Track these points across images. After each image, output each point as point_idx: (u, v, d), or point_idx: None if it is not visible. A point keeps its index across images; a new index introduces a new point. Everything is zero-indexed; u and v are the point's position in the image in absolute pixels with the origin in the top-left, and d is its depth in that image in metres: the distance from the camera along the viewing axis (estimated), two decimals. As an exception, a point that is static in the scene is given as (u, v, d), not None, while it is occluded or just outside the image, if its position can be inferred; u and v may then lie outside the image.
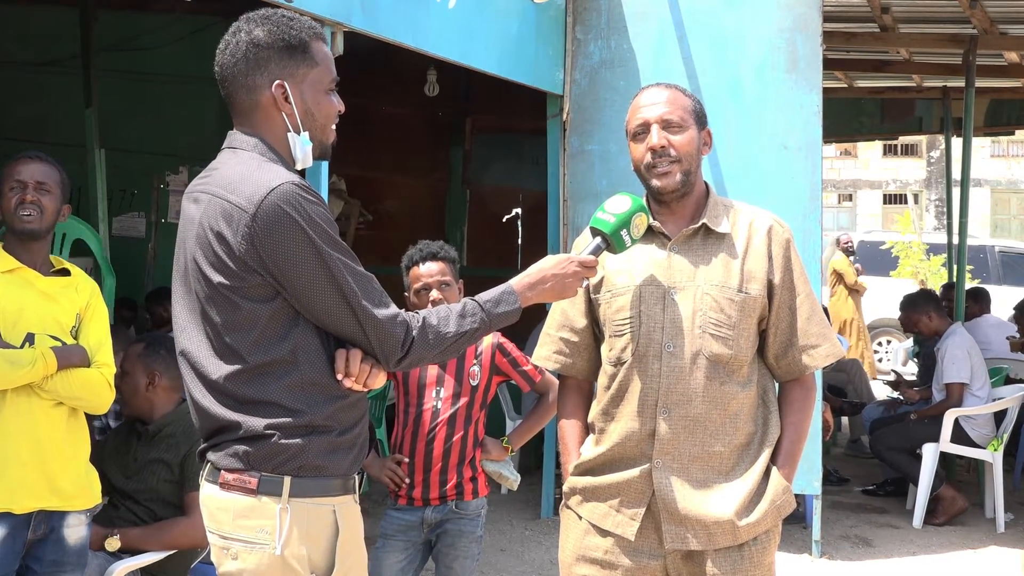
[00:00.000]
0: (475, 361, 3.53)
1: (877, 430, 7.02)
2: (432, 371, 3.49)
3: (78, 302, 3.35)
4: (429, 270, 3.49)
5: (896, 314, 7.99)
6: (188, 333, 2.30)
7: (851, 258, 12.72)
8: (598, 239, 2.55)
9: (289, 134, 2.33)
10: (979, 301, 8.30)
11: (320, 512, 2.27)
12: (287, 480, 2.23)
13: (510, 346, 3.61)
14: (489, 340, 3.54)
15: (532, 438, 3.80)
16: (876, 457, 7.08)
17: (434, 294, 3.44)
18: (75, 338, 3.32)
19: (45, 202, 3.32)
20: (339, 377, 2.26)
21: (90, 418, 3.50)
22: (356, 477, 2.37)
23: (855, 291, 12.40)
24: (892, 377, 8.28)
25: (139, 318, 6.53)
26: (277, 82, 2.30)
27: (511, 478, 3.62)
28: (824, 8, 5.84)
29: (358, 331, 2.25)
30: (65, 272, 3.40)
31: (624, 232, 2.53)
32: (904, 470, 6.70)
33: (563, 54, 6.13)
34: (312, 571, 2.26)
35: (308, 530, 2.25)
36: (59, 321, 3.29)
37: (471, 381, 3.51)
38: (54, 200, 3.35)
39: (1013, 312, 8.53)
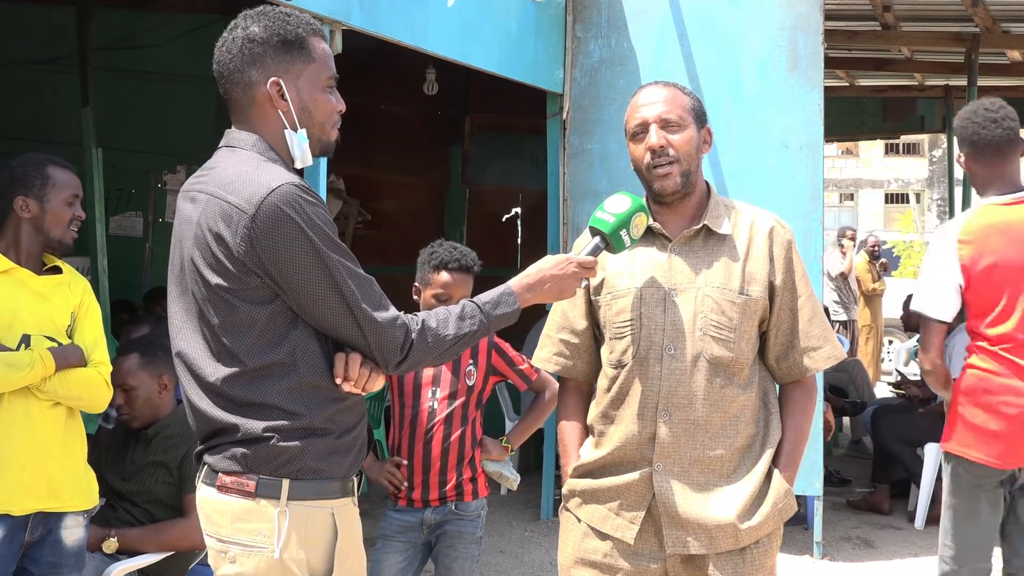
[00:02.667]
0: (471, 362, 3.52)
1: (882, 418, 6.92)
2: (428, 371, 3.48)
3: (72, 300, 3.34)
4: (458, 282, 3.44)
5: (898, 314, 7.96)
6: (184, 334, 2.28)
7: (877, 261, 12.50)
8: (597, 239, 2.53)
9: (286, 131, 2.30)
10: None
11: (318, 515, 2.25)
12: (285, 483, 2.21)
13: (506, 346, 3.61)
14: (486, 340, 3.52)
15: (532, 439, 3.79)
16: (876, 444, 6.99)
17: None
18: (70, 337, 3.30)
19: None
20: (338, 381, 2.24)
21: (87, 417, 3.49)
22: (354, 479, 2.35)
23: (874, 295, 12.22)
24: (895, 378, 8.25)
25: (137, 321, 6.47)
26: (273, 79, 2.28)
27: (511, 478, 3.61)
28: (825, 6, 5.82)
29: (357, 334, 2.23)
30: (57, 270, 3.38)
31: (623, 232, 2.51)
32: (904, 461, 6.64)
33: (563, 52, 6.11)
34: (310, 574, 2.24)
35: (306, 533, 2.23)
36: (54, 321, 3.27)
37: (467, 381, 3.50)
38: None
39: None
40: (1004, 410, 3.47)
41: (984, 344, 3.55)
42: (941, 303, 3.56)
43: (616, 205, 2.52)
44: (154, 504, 3.68)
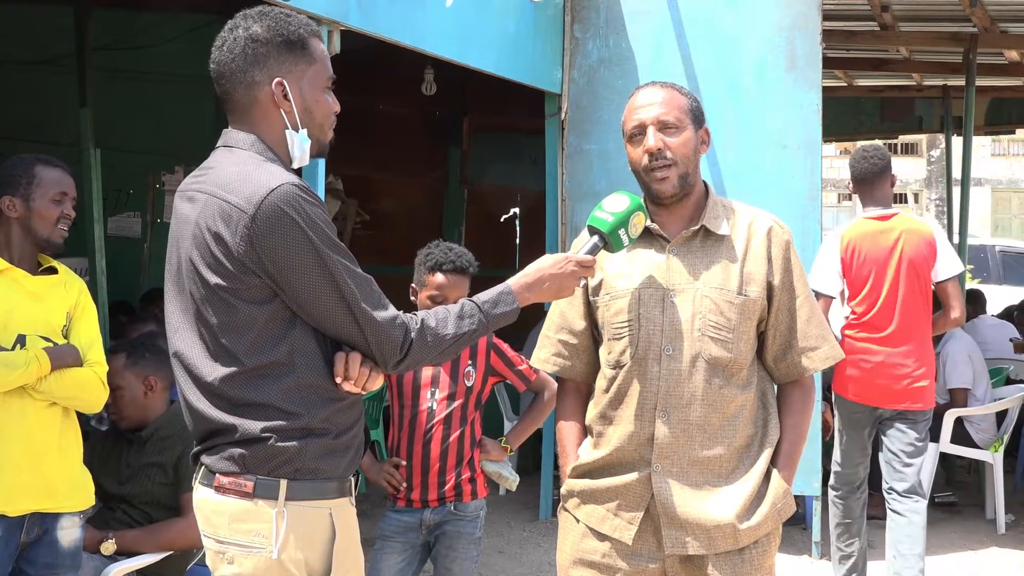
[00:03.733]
0: (470, 362, 3.51)
1: None
2: (427, 372, 3.47)
3: (68, 301, 3.33)
4: (453, 283, 3.45)
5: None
6: (182, 334, 2.27)
7: None
8: (595, 238, 2.53)
9: (287, 131, 2.30)
10: (975, 303, 8.25)
11: (316, 515, 2.25)
12: (283, 483, 2.21)
13: (505, 347, 3.60)
14: (484, 341, 3.52)
15: (531, 440, 3.79)
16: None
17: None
18: (66, 337, 3.29)
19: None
20: (338, 380, 2.24)
21: (84, 416, 3.47)
22: (352, 479, 2.35)
23: None
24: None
25: (137, 320, 6.45)
26: (277, 79, 2.28)
27: (510, 478, 3.61)
28: (823, 6, 5.82)
29: (357, 333, 2.23)
30: (52, 270, 3.37)
31: (622, 231, 2.51)
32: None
33: (561, 53, 6.10)
34: (309, 575, 2.23)
35: (304, 533, 2.23)
36: (49, 322, 3.26)
37: (466, 382, 3.50)
38: None
39: (1015, 314, 8.48)
40: (863, 365, 4.85)
41: (852, 317, 4.94)
42: (827, 282, 4.90)
43: (614, 204, 2.52)
44: (151, 505, 3.68)
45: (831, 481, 5.05)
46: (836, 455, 5.02)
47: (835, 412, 5.04)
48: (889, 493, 4.87)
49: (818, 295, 4.67)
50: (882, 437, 4.90)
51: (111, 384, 3.65)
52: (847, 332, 4.92)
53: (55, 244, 3.31)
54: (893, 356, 4.82)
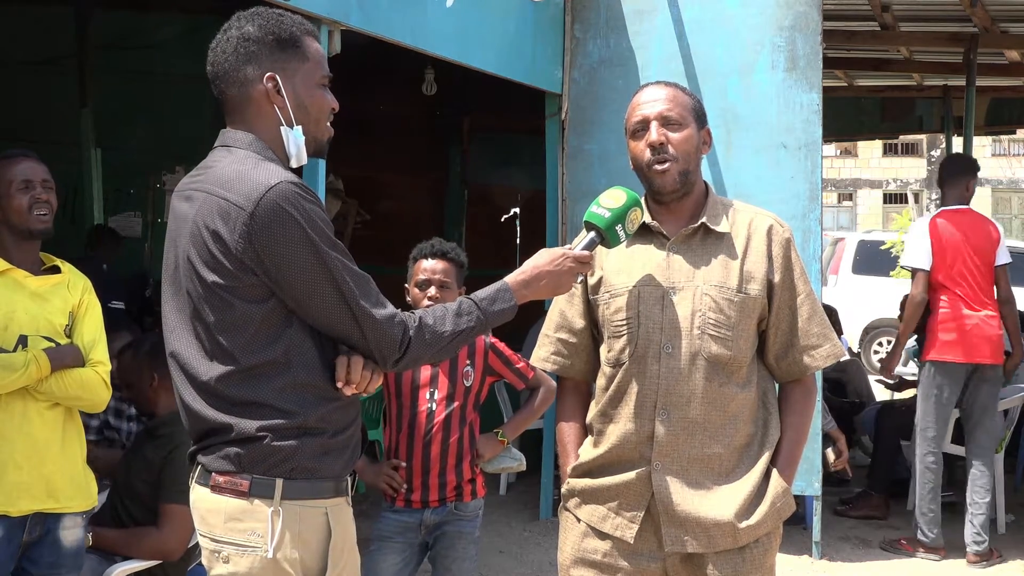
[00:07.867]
0: (468, 362, 3.52)
1: (887, 417, 6.94)
2: (425, 372, 3.47)
3: (71, 300, 3.32)
4: (433, 267, 3.50)
5: (895, 314, 7.93)
6: (178, 334, 2.28)
7: None
8: (592, 234, 2.53)
9: (282, 128, 2.30)
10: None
11: (312, 514, 2.25)
12: (279, 482, 2.21)
13: (502, 346, 3.61)
14: (482, 341, 3.53)
15: (532, 440, 3.79)
16: (877, 445, 6.99)
17: (432, 291, 3.44)
18: (69, 336, 3.29)
19: (53, 200, 3.32)
20: (339, 385, 2.24)
21: (86, 416, 3.46)
22: (348, 479, 2.35)
23: None
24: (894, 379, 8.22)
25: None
26: (268, 74, 2.28)
27: (514, 464, 3.62)
28: (824, 6, 5.82)
29: (356, 331, 2.23)
30: (56, 269, 3.36)
31: (618, 227, 2.51)
32: (885, 456, 6.65)
33: (562, 53, 6.10)
34: (304, 574, 2.24)
35: (300, 533, 2.23)
36: (51, 322, 3.25)
37: (465, 382, 3.50)
38: (55, 197, 3.34)
39: None
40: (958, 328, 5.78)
41: (939, 288, 5.82)
42: (923, 258, 5.83)
43: (611, 200, 2.52)
44: (133, 501, 3.61)
45: (923, 451, 5.84)
46: (926, 423, 5.81)
47: (921, 381, 5.88)
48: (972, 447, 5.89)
49: (916, 270, 5.83)
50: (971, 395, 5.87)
51: (131, 362, 3.66)
52: (938, 302, 5.82)
53: (38, 231, 3.26)
54: (985, 319, 5.80)
